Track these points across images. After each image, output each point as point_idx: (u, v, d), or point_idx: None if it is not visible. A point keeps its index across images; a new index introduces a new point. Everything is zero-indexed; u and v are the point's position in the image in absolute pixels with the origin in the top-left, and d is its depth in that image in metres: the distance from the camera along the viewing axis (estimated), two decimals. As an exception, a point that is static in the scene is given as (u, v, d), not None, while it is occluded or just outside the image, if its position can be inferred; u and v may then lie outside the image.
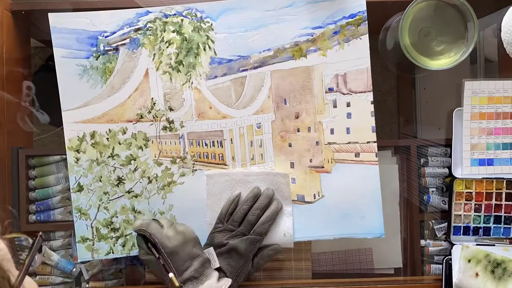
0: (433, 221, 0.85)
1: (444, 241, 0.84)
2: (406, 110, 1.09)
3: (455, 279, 0.78)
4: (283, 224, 0.74)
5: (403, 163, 0.87)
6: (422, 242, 0.85)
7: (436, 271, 0.84)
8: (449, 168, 0.83)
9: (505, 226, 0.81)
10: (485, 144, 0.80)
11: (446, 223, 0.83)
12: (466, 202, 0.82)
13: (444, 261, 0.80)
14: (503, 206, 0.81)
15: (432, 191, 0.84)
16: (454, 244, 0.81)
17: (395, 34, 0.77)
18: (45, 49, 1.08)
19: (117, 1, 0.80)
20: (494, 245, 0.80)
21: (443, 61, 0.77)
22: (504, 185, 0.81)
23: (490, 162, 0.80)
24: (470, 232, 0.82)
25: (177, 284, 0.63)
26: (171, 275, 0.64)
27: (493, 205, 0.81)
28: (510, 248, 0.78)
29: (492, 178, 0.81)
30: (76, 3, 0.80)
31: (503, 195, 0.81)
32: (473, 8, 0.73)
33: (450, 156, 0.82)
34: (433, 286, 0.81)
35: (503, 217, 0.81)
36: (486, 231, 0.82)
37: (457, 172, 0.81)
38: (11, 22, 0.81)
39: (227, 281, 0.67)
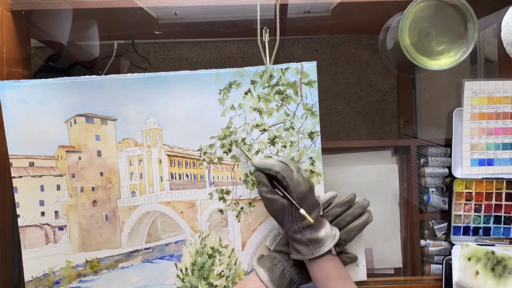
0: (433, 221, 0.85)
1: (444, 241, 0.84)
2: (406, 110, 1.10)
3: (455, 278, 0.78)
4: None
5: (403, 163, 0.87)
6: (422, 242, 0.85)
7: (436, 271, 0.84)
8: (449, 168, 0.83)
9: (505, 226, 0.81)
10: (485, 144, 0.80)
11: (446, 223, 0.83)
12: (466, 202, 0.82)
13: (444, 261, 0.80)
14: (503, 206, 0.81)
15: (432, 191, 0.84)
16: (454, 244, 0.81)
17: (395, 34, 0.77)
18: (45, 49, 1.08)
19: (117, 1, 0.81)
20: (494, 245, 0.79)
21: (443, 61, 0.77)
22: (504, 185, 0.81)
23: (490, 162, 0.80)
24: (470, 232, 0.82)
25: (311, 220, 0.64)
26: (302, 211, 0.64)
27: (493, 205, 0.81)
28: (510, 248, 0.78)
29: (492, 178, 0.81)
30: (76, 3, 0.80)
31: (503, 195, 0.81)
32: (473, 8, 0.73)
33: (450, 156, 0.82)
34: (433, 286, 0.81)
35: (503, 217, 0.81)
36: (486, 231, 0.82)
37: (457, 172, 0.81)
38: (11, 22, 0.81)
39: (336, 230, 0.68)
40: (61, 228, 0.75)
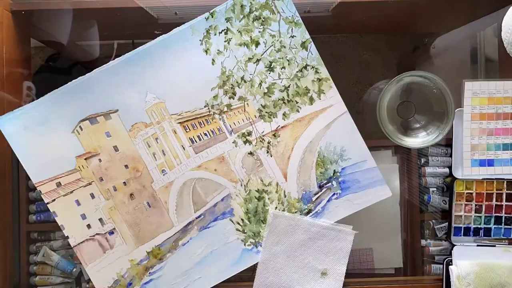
0: (433, 221, 0.85)
1: (445, 241, 0.84)
2: (407, 110, 1.09)
3: None
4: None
5: (403, 163, 0.87)
6: (423, 242, 0.85)
7: (437, 271, 0.83)
8: (450, 167, 0.83)
9: (506, 227, 0.81)
10: (486, 145, 0.80)
11: (446, 223, 0.83)
12: (466, 203, 0.81)
13: (445, 261, 0.80)
14: (504, 206, 0.81)
15: (433, 191, 0.84)
16: (455, 245, 0.80)
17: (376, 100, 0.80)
18: (45, 49, 1.08)
19: (117, 1, 0.80)
20: (494, 246, 0.79)
21: (419, 140, 0.79)
22: (505, 185, 0.81)
23: (490, 163, 0.80)
24: (471, 233, 0.82)
25: None
26: None
27: (494, 206, 0.81)
28: (511, 248, 0.78)
29: (492, 179, 0.81)
30: (76, 3, 0.80)
31: (504, 196, 0.81)
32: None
33: (451, 156, 0.82)
34: (434, 286, 0.81)
35: (503, 218, 0.81)
36: (487, 232, 0.81)
37: (457, 173, 0.81)
38: (11, 22, 0.81)
39: None
40: (111, 233, 0.75)
